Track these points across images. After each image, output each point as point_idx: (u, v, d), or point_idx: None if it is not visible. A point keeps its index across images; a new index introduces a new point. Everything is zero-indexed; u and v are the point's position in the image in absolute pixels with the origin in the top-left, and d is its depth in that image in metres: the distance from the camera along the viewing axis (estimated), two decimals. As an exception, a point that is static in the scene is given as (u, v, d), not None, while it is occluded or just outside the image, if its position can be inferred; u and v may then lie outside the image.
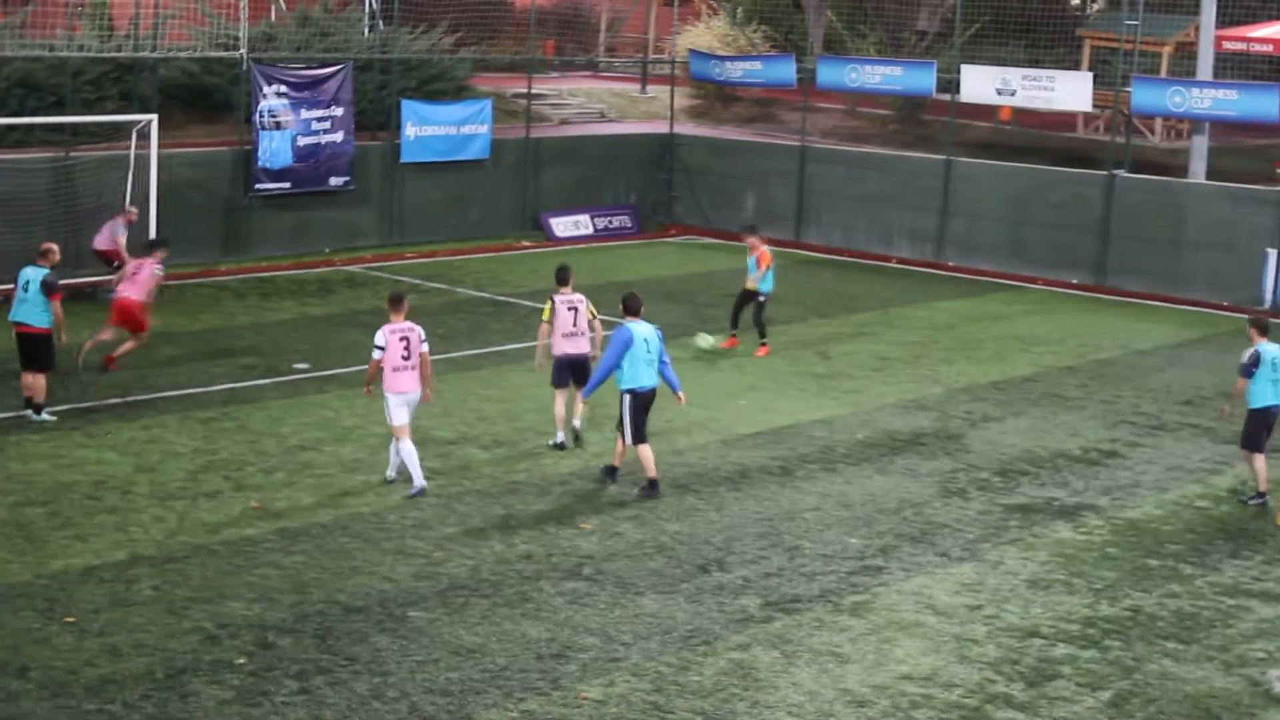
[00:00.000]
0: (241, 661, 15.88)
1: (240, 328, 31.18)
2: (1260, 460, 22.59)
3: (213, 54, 39.21)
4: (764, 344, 30.69)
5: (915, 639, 17.31)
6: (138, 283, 27.29)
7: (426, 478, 21.60)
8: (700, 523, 20.82)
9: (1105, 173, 40.02)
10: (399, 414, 21.42)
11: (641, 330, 22.20)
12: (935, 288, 39.26)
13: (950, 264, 41.78)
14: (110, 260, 32.33)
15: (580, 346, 24.09)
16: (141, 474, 21.83)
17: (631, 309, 22.48)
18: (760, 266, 30.99)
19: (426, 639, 16.62)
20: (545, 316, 24.10)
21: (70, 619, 16.78)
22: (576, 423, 24.20)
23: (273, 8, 44.70)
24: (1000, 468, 23.95)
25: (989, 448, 25.00)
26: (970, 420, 26.56)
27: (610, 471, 22.63)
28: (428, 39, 44.35)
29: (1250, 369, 22.51)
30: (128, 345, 27.26)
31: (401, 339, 21.46)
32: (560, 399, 24.06)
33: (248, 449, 23.19)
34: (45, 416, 24.16)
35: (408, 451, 21.48)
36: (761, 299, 30.97)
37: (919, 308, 36.38)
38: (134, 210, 33.43)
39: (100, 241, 32.79)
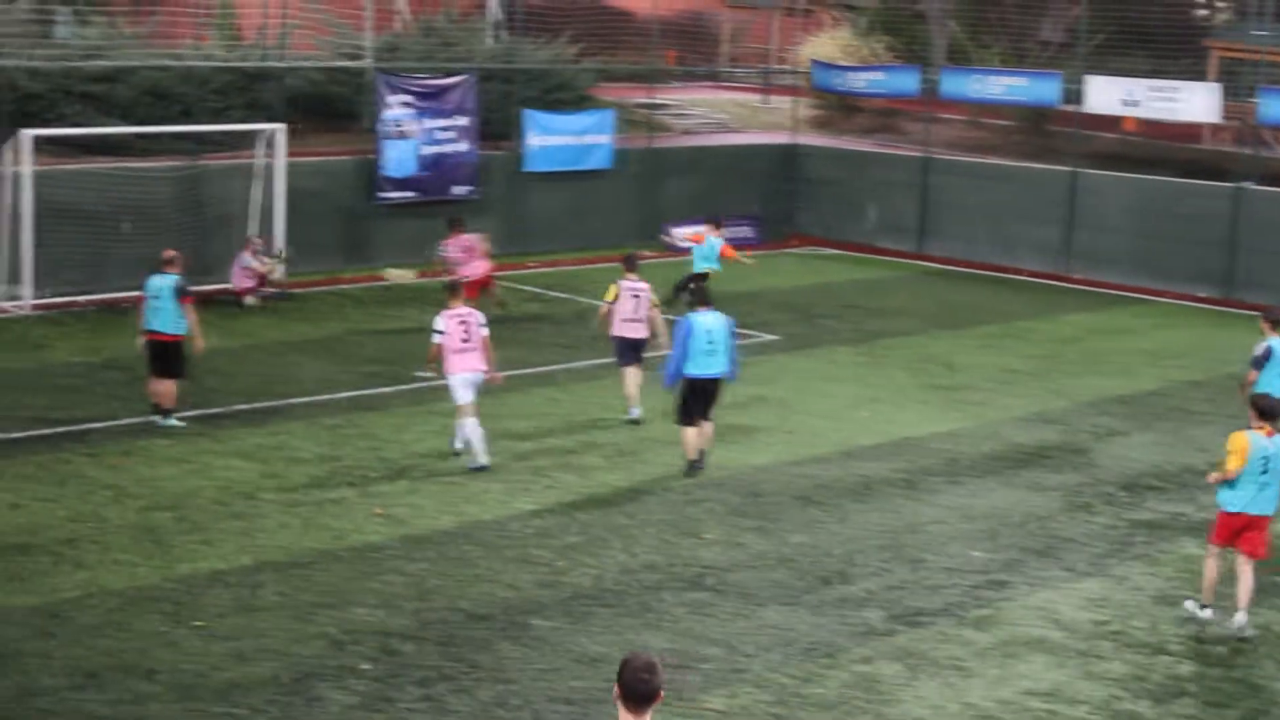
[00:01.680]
0: (366, 667, 15.97)
1: (363, 335, 31.40)
2: None
3: (338, 64, 39.52)
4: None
5: (1040, 654, 17.18)
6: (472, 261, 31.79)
7: (548, 486, 21.66)
8: (823, 534, 20.75)
9: (1233, 185, 39.60)
10: (463, 393, 22.71)
11: (703, 321, 22.86)
12: (1061, 300, 38.99)
13: (1076, 276, 41.46)
14: (250, 292, 32.95)
15: (639, 332, 25.54)
16: (267, 480, 22.02)
17: (699, 300, 23.39)
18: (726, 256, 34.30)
19: (549, 647, 16.65)
20: (610, 298, 25.74)
21: (198, 623, 16.95)
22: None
23: (398, 18, 45.02)
24: (1126, 482, 23.73)
25: (1115, 462, 24.78)
26: (1096, 434, 26.35)
27: (693, 466, 23.25)
28: (550, 49, 44.52)
29: (1262, 361, 22.95)
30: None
31: (461, 323, 22.78)
32: (628, 377, 25.57)
33: (372, 456, 23.33)
34: (173, 422, 24.42)
35: (473, 428, 22.65)
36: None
37: (1044, 320, 36.13)
38: (259, 240, 33.82)
39: (238, 279, 33.33)
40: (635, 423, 25.50)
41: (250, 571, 18.51)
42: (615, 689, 9.50)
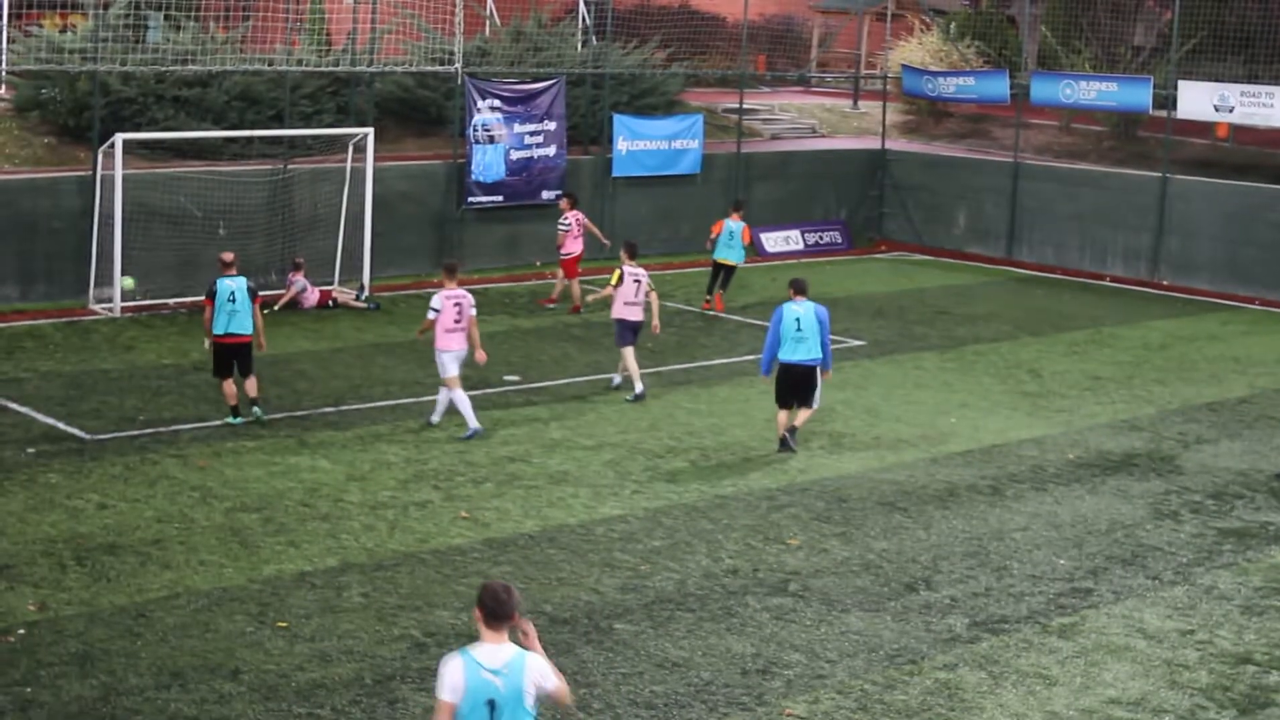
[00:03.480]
0: (449, 670, 16.03)
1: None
2: None
3: (428, 68, 39.67)
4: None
5: (1124, 663, 17.08)
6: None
7: (634, 491, 21.70)
8: (908, 541, 20.70)
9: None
10: (451, 367, 24.68)
11: (794, 309, 24.21)
12: (1149, 307, 38.75)
13: (1165, 283, 41.21)
14: (300, 304, 33.34)
15: (638, 315, 27.44)
16: (353, 482, 22.14)
17: (796, 289, 24.57)
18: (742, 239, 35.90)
19: (631, 651, 16.68)
20: (613, 283, 27.53)
21: (282, 624, 17.08)
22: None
23: (487, 23, 45.17)
24: (1214, 490, 23.57)
25: (1202, 470, 24.62)
26: (1184, 442, 26.18)
27: (782, 443, 24.47)
28: (639, 54, 44.54)
29: None
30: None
31: (455, 304, 24.61)
32: (628, 357, 27.39)
33: (457, 459, 23.42)
34: (257, 410, 24.74)
35: (460, 398, 24.64)
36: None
37: (1132, 327, 35.93)
38: (302, 259, 33.99)
39: (308, 299, 33.58)
40: (639, 399, 27.18)
41: (335, 573, 18.64)
42: (476, 611, 10.69)
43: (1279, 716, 15.94)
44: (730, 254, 35.71)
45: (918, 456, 24.68)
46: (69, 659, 15.98)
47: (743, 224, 35.97)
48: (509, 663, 10.62)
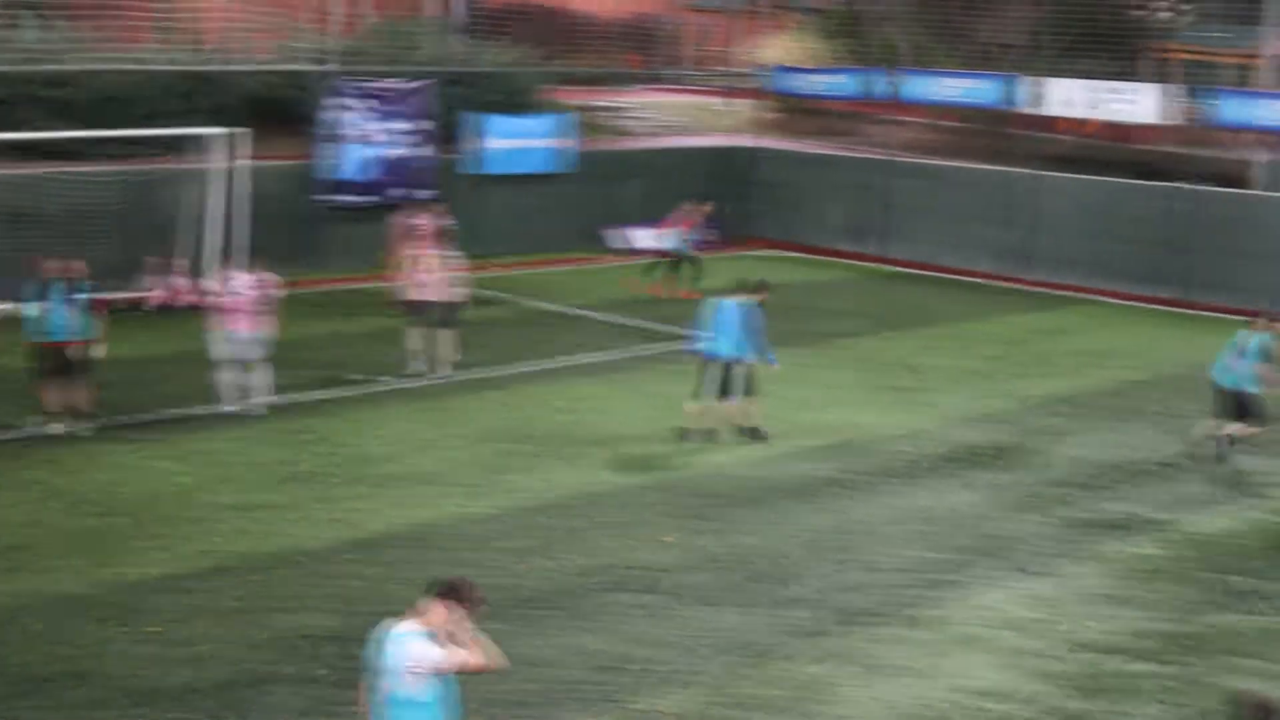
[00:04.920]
0: (323, 673, 16.06)
1: (319, 340, 31.36)
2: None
3: (294, 67, 39.50)
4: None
5: (987, 653, 17.36)
6: None
7: (506, 490, 21.79)
8: (777, 536, 20.89)
9: (1187, 186, 39.85)
10: (227, 350, 25.50)
11: (721, 303, 25.13)
12: (1014, 301, 39.24)
13: (1029, 278, 41.70)
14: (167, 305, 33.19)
15: (428, 294, 28.54)
16: (224, 485, 22.06)
17: (739, 286, 25.64)
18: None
19: (502, 650, 16.72)
20: (406, 265, 29.17)
21: (153, 628, 17.02)
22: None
23: (354, 22, 45.01)
24: (1075, 482, 23.93)
25: (1053, 460, 24.99)
26: (1047, 434, 26.55)
27: (750, 433, 25.24)
28: (509, 53, 44.54)
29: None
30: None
31: (242, 289, 25.43)
32: (414, 334, 28.71)
33: (329, 460, 23.40)
34: (84, 426, 24.54)
35: (241, 380, 25.61)
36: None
37: (997, 322, 36.37)
38: (169, 260, 33.76)
39: (175, 299, 33.37)
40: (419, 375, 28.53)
41: (207, 576, 18.57)
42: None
43: (1120, 702, 16.24)
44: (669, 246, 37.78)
45: (786, 451, 24.88)
46: (-71, 668, 15.88)
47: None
48: (396, 635, 11.38)
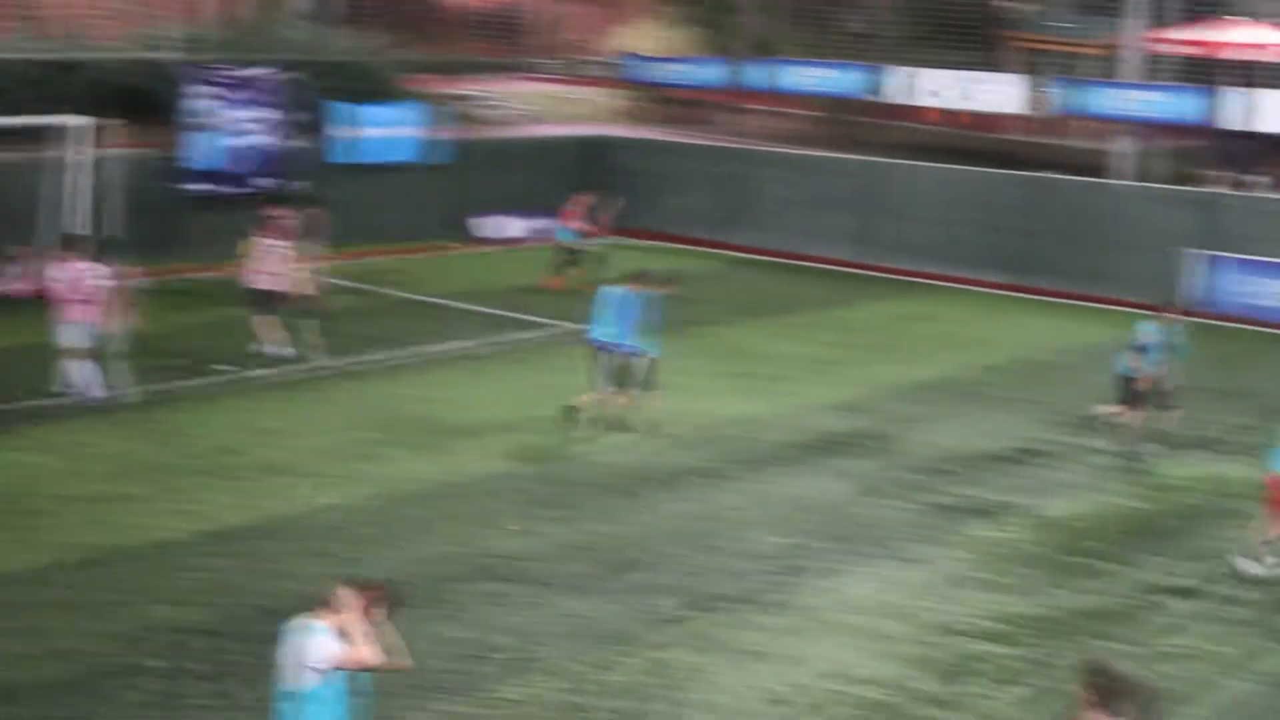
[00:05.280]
0: (161, 665, 15.86)
1: (168, 330, 30.97)
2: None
3: (145, 55, 39.03)
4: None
5: (836, 637, 17.42)
6: None
7: (351, 480, 21.63)
8: (623, 522, 20.87)
9: (1032, 173, 40.25)
10: (69, 339, 25.24)
11: (609, 292, 25.31)
12: (863, 289, 39.42)
13: (880, 265, 41.93)
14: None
15: (278, 284, 28.67)
16: (81, 477, 21.72)
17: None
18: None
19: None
20: (247, 253, 28.89)
21: (11, 622, 16.73)
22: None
23: (206, 9, 44.58)
24: (925, 467, 24.08)
25: (914, 447, 25.14)
26: (896, 420, 26.69)
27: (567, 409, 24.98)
28: (361, 40, 44.26)
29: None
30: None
31: (79, 278, 25.25)
32: (264, 323, 28.61)
33: (170, 451, 23.10)
34: None
35: (78, 369, 25.20)
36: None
37: (848, 309, 36.54)
38: (19, 250, 33.32)
39: (21, 289, 32.91)
40: (258, 355, 28.56)
41: (44, 570, 18.27)
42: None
43: (984, 685, 16.36)
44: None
45: (636, 439, 24.86)
46: None
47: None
48: (299, 628, 11.48)
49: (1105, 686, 10.96)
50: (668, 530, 20.70)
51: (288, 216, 31.71)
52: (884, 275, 41.16)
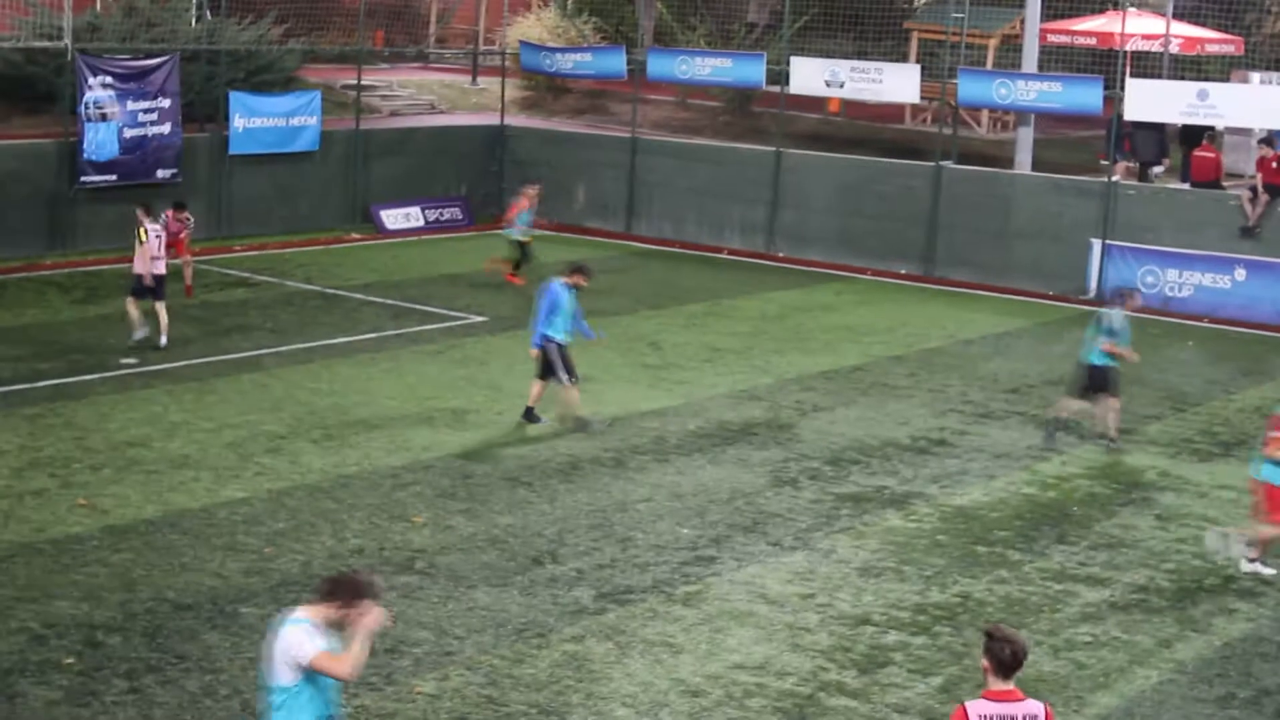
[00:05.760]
0: (70, 661, 15.68)
1: (66, 323, 30.74)
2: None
3: (36, 44, 38.59)
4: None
5: (748, 628, 17.42)
6: None
7: (257, 473, 21.46)
8: (532, 515, 20.81)
9: (932, 164, 40.44)
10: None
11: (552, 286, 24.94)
12: (765, 279, 39.47)
13: (780, 255, 42.01)
14: None
15: (159, 269, 29.07)
16: (-36, 472, 21.50)
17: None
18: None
19: (258, 635, 16.42)
20: (143, 239, 28.93)
21: (-108, 621, 16.52)
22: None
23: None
24: (831, 457, 24.14)
25: (820, 437, 25.19)
26: (801, 410, 26.75)
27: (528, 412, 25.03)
28: (255, 30, 43.94)
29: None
30: None
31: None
32: (133, 305, 28.94)
33: (74, 446, 22.86)
34: None
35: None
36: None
37: (749, 299, 36.57)
38: None
39: None
40: (143, 344, 28.69)
41: (-54, 566, 18.09)
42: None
43: (897, 675, 16.40)
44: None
45: (541, 431, 24.78)
46: None
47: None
48: (283, 621, 11.08)
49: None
50: (576, 522, 20.64)
51: (170, 203, 31.83)
52: (787, 266, 41.23)
